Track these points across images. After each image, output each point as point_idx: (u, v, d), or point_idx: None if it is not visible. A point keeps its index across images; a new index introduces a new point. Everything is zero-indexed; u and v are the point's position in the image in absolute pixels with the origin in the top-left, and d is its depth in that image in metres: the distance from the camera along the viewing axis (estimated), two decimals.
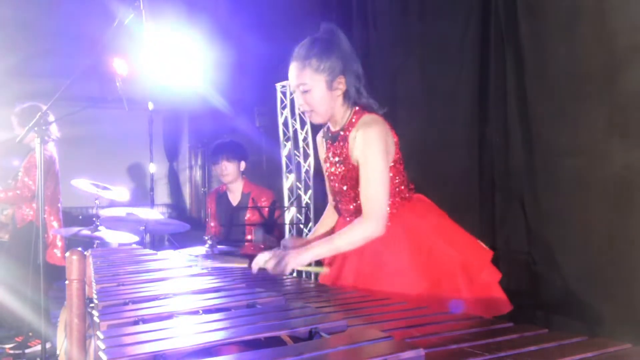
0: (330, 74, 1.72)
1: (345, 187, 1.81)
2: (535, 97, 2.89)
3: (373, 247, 1.70)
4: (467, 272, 1.71)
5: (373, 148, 1.67)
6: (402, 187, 1.80)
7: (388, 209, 1.68)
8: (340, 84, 1.75)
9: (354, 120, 1.76)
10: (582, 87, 2.61)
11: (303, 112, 1.83)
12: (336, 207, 1.97)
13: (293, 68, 1.75)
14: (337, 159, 1.81)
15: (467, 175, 3.46)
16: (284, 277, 1.74)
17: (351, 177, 1.76)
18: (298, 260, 1.62)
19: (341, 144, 1.79)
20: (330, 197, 2.03)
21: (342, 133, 1.78)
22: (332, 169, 1.84)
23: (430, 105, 3.66)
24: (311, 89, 1.72)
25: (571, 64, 2.66)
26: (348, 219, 1.86)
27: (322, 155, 1.98)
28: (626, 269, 2.44)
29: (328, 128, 1.87)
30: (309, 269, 1.73)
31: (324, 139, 1.92)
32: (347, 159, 1.76)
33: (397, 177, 1.78)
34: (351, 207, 1.83)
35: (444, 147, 3.56)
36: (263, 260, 1.65)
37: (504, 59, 3.12)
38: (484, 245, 1.88)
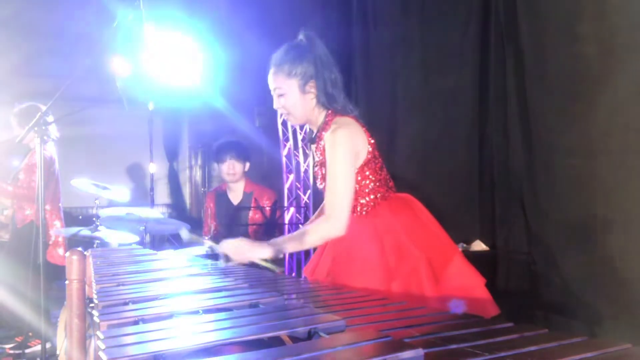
0: (303, 78, 1.81)
1: (323, 186, 1.87)
2: (535, 97, 2.89)
3: (346, 243, 1.76)
4: (432, 270, 1.73)
5: (338, 149, 1.73)
6: (378, 186, 1.83)
7: (349, 209, 1.73)
8: (312, 88, 1.82)
9: (327, 120, 1.83)
10: (582, 87, 2.61)
11: (281, 115, 1.89)
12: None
13: (270, 73, 1.86)
14: (317, 159, 1.89)
15: (467, 175, 3.46)
16: (284, 277, 1.73)
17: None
18: (257, 252, 1.70)
19: (319, 145, 1.86)
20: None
21: (318, 134, 1.86)
22: (316, 169, 1.92)
23: (430, 105, 3.66)
24: (285, 93, 1.82)
25: (571, 64, 2.66)
26: None
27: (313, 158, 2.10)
28: (626, 269, 2.44)
29: (310, 130, 1.94)
30: (264, 264, 1.78)
31: (309, 143, 2.00)
32: (324, 159, 1.82)
33: (371, 176, 1.82)
34: None
35: (444, 147, 3.57)
36: (228, 246, 1.73)
37: (504, 59, 3.12)
38: (453, 245, 1.88)
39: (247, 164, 3.51)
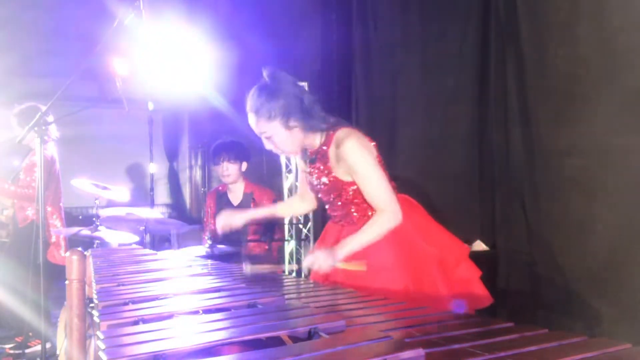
0: (283, 117, 1.82)
1: (332, 197, 1.94)
2: (535, 97, 2.89)
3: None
4: (443, 269, 1.81)
5: (358, 155, 1.80)
6: None
7: (397, 200, 1.81)
8: (295, 122, 1.85)
9: (330, 134, 1.88)
10: (582, 87, 2.61)
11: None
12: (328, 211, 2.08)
13: (251, 119, 1.88)
14: (317, 176, 1.94)
15: (467, 175, 3.46)
16: (284, 277, 1.73)
17: (336, 188, 1.90)
18: (332, 258, 1.74)
19: (322, 160, 1.91)
20: (300, 190, 2.28)
21: (321, 150, 1.90)
22: (315, 182, 1.97)
23: (430, 105, 3.66)
24: (272, 135, 1.85)
25: (571, 64, 2.66)
26: (341, 222, 1.99)
27: (300, 166, 2.16)
28: (626, 269, 2.44)
29: (306, 151, 1.98)
30: (349, 267, 1.79)
31: (304, 160, 2.05)
32: (330, 173, 1.89)
33: None
34: (335, 214, 1.99)
35: (444, 147, 3.57)
36: (310, 262, 1.76)
37: (504, 59, 3.12)
38: (461, 242, 1.97)
39: (244, 164, 3.48)
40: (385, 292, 1.56)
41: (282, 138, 1.85)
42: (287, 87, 1.86)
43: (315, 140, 1.91)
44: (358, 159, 1.80)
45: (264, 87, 1.86)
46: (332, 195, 1.94)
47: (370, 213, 1.88)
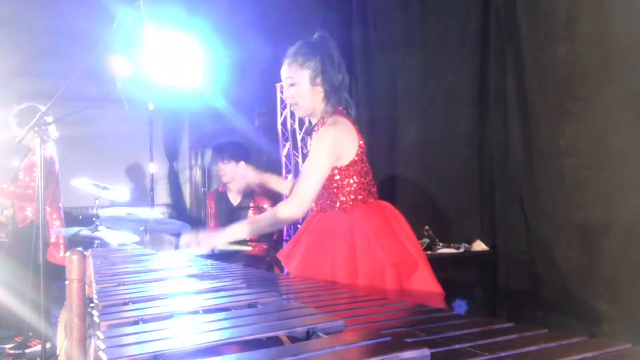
0: (314, 72, 1.92)
1: None
2: (535, 97, 2.89)
3: (321, 235, 1.88)
4: (397, 278, 1.80)
5: (320, 145, 1.85)
6: (360, 188, 1.90)
7: (310, 199, 1.87)
8: (321, 82, 1.93)
9: (325, 118, 1.94)
10: (582, 87, 2.61)
11: (289, 105, 2.02)
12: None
13: (284, 64, 1.97)
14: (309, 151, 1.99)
15: (468, 175, 3.46)
16: (283, 277, 1.73)
17: None
18: (214, 241, 1.90)
19: (312, 137, 1.98)
20: None
21: (315, 127, 1.98)
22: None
23: (430, 105, 3.66)
24: (296, 83, 1.93)
25: (571, 63, 2.66)
26: (324, 209, 1.99)
27: None
28: (626, 269, 2.44)
29: (310, 123, 2.04)
30: (235, 247, 1.87)
31: (306, 135, 2.13)
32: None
33: (355, 178, 1.89)
34: (319, 199, 1.97)
35: (444, 147, 3.57)
36: (186, 240, 1.89)
37: (504, 59, 3.12)
38: (422, 253, 1.93)
39: (242, 164, 3.47)
40: (367, 291, 1.61)
41: (303, 90, 1.92)
42: (329, 52, 1.94)
43: (320, 114, 1.97)
44: (318, 146, 1.85)
45: (309, 42, 1.97)
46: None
47: (353, 198, 1.89)
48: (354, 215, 1.88)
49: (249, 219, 1.92)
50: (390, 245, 1.84)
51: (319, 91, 1.93)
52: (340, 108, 1.93)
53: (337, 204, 1.91)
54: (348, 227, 1.85)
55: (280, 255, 2.07)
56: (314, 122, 2.02)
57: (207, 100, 5.31)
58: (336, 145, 1.85)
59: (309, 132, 2.04)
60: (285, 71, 1.96)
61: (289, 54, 1.96)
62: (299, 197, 1.83)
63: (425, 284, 1.85)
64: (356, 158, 1.89)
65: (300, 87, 1.93)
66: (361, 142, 1.90)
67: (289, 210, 1.83)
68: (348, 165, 1.88)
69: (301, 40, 1.98)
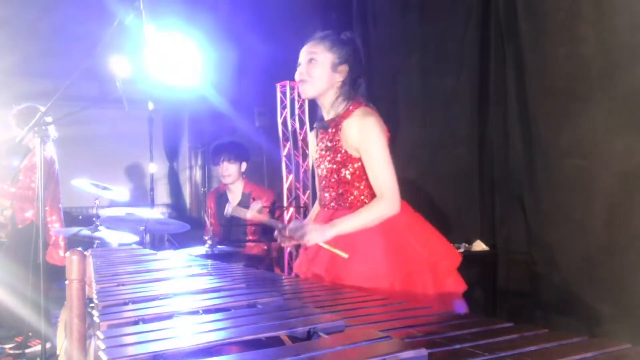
0: (339, 58, 1.86)
1: (331, 172, 1.88)
2: (535, 97, 2.89)
3: (348, 238, 1.75)
4: (436, 274, 1.76)
5: (374, 135, 1.78)
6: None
7: (398, 189, 1.77)
8: (343, 72, 1.86)
9: (350, 108, 1.85)
10: (582, 87, 2.61)
11: (299, 82, 1.91)
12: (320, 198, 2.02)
13: (308, 44, 1.90)
14: (326, 144, 1.90)
15: (467, 175, 3.46)
16: (283, 277, 1.73)
17: (337, 161, 1.86)
18: (320, 236, 1.71)
19: (333, 130, 1.88)
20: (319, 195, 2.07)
21: (336, 120, 1.87)
22: (322, 153, 1.92)
23: (430, 105, 3.66)
24: (317, 60, 1.85)
25: (571, 64, 2.66)
26: (326, 209, 1.93)
27: (312, 149, 2.10)
28: (626, 269, 2.44)
29: (322, 117, 1.96)
30: (333, 249, 1.74)
31: (316, 131, 2.00)
32: (337, 145, 1.85)
33: None
34: (328, 195, 1.90)
35: (444, 147, 3.57)
36: (295, 228, 1.73)
37: (504, 59, 3.12)
38: (455, 251, 1.91)
39: (244, 164, 3.49)
40: (368, 287, 1.56)
41: (322, 70, 1.85)
42: (357, 50, 1.90)
43: (340, 106, 1.88)
44: (376, 137, 1.77)
45: (340, 38, 1.91)
46: (332, 169, 1.87)
47: (363, 199, 1.84)
48: None
49: (343, 218, 1.79)
50: (430, 242, 1.80)
51: (337, 79, 1.87)
52: (363, 101, 1.88)
53: (348, 201, 1.85)
54: (379, 226, 1.77)
55: (306, 257, 1.91)
56: (325, 113, 1.93)
57: (207, 100, 5.31)
58: (383, 132, 1.80)
59: (326, 126, 1.91)
60: (307, 47, 1.89)
61: (317, 36, 1.90)
62: (389, 192, 1.75)
63: (458, 285, 1.81)
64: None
65: (319, 65, 1.85)
66: (387, 135, 1.85)
67: (387, 206, 1.75)
68: None
69: (330, 30, 1.94)
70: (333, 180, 1.88)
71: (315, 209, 2.10)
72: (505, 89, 3.12)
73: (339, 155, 1.85)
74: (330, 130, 1.89)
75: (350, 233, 1.75)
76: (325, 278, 1.75)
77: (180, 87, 4.83)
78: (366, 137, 1.78)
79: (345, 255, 1.72)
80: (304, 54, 1.89)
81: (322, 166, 1.92)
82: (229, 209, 1.95)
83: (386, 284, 1.69)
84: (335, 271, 1.74)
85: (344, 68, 1.86)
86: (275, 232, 1.85)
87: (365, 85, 1.92)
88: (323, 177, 1.92)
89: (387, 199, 1.75)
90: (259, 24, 4.83)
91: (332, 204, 1.90)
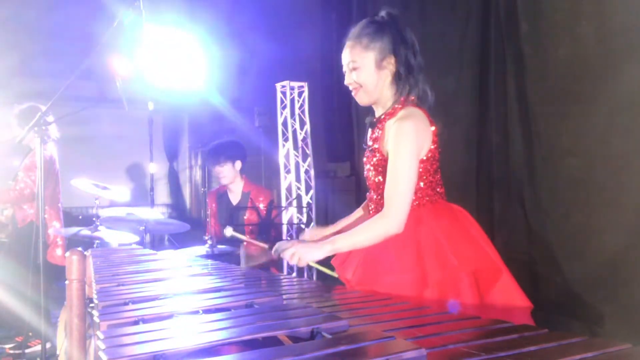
0: (380, 53, 1.72)
1: (372, 174, 1.77)
2: (535, 97, 2.89)
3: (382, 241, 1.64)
4: (475, 288, 1.62)
5: (405, 142, 1.64)
6: (426, 187, 1.73)
7: (408, 207, 1.62)
8: (390, 64, 1.73)
9: (397, 107, 1.74)
10: (582, 87, 2.61)
11: (352, 91, 1.79)
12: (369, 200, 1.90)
13: (346, 47, 1.77)
14: (372, 145, 1.78)
15: (467, 175, 3.46)
16: (285, 277, 1.73)
17: (381, 166, 1.73)
18: (312, 254, 1.60)
19: (378, 129, 1.77)
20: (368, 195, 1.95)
21: (382, 117, 1.76)
22: (368, 154, 1.81)
23: (430, 105, 3.66)
24: (360, 67, 1.72)
25: (571, 64, 2.66)
26: (371, 212, 1.82)
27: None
28: (626, 270, 2.44)
29: (373, 114, 1.84)
30: (322, 268, 1.67)
31: (368, 127, 1.88)
32: (380, 147, 1.73)
33: (423, 176, 1.71)
34: (376, 196, 1.78)
35: (443, 147, 3.56)
36: (283, 248, 1.64)
37: (504, 59, 3.12)
38: (496, 264, 1.69)
39: (238, 163, 3.44)
40: (401, 296, 1.43)
41: (368, 74, 1.72)
42: (399, 30, 1.76)
43: (388, 102, 1.76)
44: (403, 146, 1.63)
45: (375, 21, 1.78)
46: (375, 172, 1.75)
47: (420, 195, 1.69)
48: (419, 215, 1.68)
49: (342, 235, 1.65)
50: (467, 250, 1.63)
51: (386, 75, 1.73)
52: (413, 98, 1.75)
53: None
54: (413, 229, 1.64)
55: (335, 261, 1.80)
56: (377, 113, 1.80)
57: (207, 100, 5.31)
58: (419, 140, 1.66)
59: (373, 125, 1.79)
60: (346, 55, 1.74)
61: (352, 35, 1.76)
62: (394, 210, 1.59)
63: (509, 296, 1.63)
64: (429, 155, 1.71)
65: (364, 70, 1.71)
66: (436, 139, 1.73)
67: (388, 225, 1.59)
68: (420, 163, 1.69)
69: (365, 19, 1.79)
70: (380, 184, 1.75)
71: (356, 213, 2.00)
72: (505, 89, 3.12)
73: (380, 158, 1.73)
74: (376, 129, 1.78)
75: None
76: (355, 283, 1.66)
77: (180, 87, 4.84)
78: (397, 142, 1.64)
79: (335, 275, 1.64)
80: (345, 61, 1.76)
81: (367, 166, 1.81)
82: (227, 232, 1.92)
83: (415, 293, 1.58)
84: (361, 277, 1.66)
85: (390, 60, 1.73)
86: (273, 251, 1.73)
87: (420, 74, 1.78)
88: (367, 177, 1.82)
89: (387, 217, 1.61)
90: (259, 24, 4.83)
91: (376, 209, 1.78)
